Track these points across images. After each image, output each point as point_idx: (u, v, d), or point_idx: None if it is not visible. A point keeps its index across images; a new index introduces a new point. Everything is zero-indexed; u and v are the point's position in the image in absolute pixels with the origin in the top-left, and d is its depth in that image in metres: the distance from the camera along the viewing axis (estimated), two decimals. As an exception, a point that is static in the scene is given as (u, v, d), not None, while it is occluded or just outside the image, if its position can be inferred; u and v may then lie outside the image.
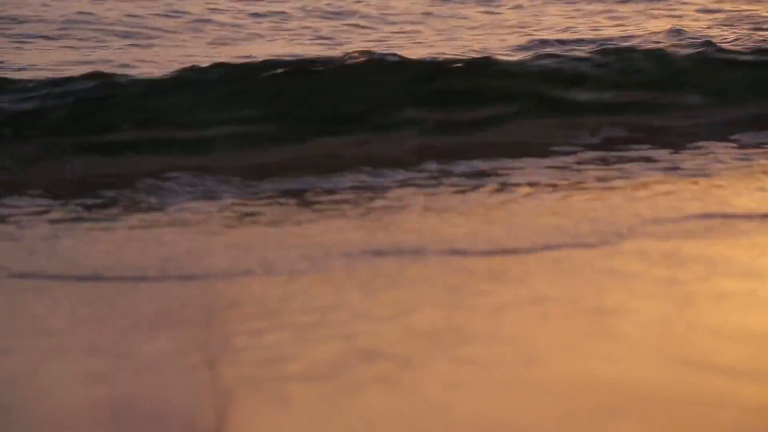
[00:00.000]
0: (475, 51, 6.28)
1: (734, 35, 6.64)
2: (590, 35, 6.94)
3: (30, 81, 5.38)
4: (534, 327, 2.90)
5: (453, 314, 3.01)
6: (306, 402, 2.42)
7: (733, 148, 5.17)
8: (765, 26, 7.24)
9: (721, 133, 5.47)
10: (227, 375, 2.60)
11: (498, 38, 7.05)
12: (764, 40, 6.36)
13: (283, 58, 5.95)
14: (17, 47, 6.72)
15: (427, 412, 2.35)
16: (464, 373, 2.57)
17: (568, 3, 8.30)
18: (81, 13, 7.58)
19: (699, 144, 5.20)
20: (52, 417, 2.38)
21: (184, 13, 7.86)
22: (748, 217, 4.12)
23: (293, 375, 2.57)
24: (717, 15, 7.83)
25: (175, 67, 5.68)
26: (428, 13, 8.02)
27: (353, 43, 6.97)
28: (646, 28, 7.24)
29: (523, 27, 7.50)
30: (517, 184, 4.47)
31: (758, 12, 7.87)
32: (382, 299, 3.18)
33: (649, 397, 2.40)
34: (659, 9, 8.22)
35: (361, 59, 5.63)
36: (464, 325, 2.93)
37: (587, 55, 5.98)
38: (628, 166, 4.83)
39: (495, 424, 2.29)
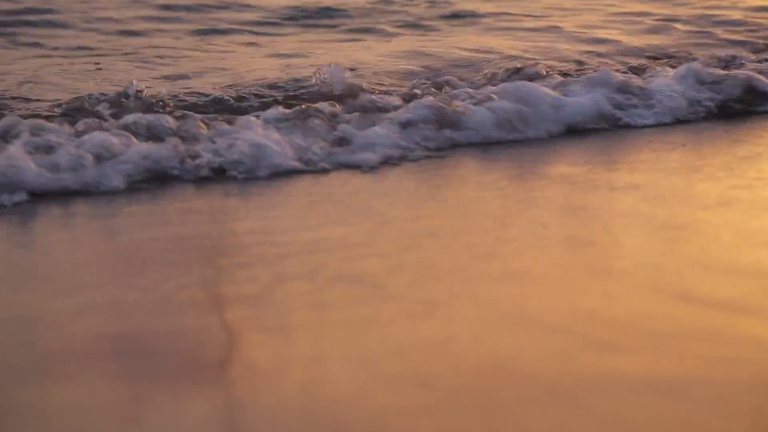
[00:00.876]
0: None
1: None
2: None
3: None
4: (531, 263, 2.92)
5: (454, 250, 3.03)
6: (307, 335, 2.44)
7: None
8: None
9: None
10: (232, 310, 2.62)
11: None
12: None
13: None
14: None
15: (425, 347, 2.37)
16: (462, 309, 2.59)
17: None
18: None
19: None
20: (59, 351, 2.40)
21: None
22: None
23: (296, 307, 2.59)
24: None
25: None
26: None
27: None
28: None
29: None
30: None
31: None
32: (387, 235, 3.20)
33: (646, 332, 2.43)
34: None
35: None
36: (462, 262, 2.94)
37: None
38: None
39: (494, 359, 2.31)
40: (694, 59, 5.62)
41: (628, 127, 4.70)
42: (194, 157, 3.83)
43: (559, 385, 2.18)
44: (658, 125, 4.77)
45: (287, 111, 4.32)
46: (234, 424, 2.06)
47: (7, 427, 2.04)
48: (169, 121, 4.08)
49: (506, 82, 4.85)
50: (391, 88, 5.02)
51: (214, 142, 3.96)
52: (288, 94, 4.88)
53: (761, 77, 5.17)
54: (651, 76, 5.21)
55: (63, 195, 3.58)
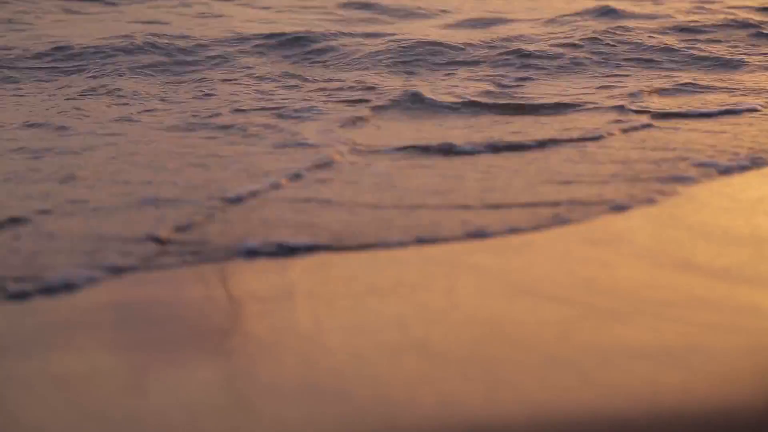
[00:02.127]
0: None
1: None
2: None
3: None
4: (529, 234, 2.93)
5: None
6: (309, 307, 2.45)
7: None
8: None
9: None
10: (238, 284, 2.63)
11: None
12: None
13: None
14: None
15: (425, 316, 2.38)
16: (462, 280, 2.59)
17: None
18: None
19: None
20: (64, 317, 2.42)
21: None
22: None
23: (299, 282, 2.60)
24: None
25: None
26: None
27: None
28: None
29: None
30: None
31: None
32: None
33: (647, 301, 2.44)
34: None
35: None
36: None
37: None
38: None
39: (494, 328, 2.32)
40: None
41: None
42: None
43: (559, 354, 2.18)
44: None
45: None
46: (236, 392, 2.07)
47: (8, 397, 2.05)
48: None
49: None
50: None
51: None
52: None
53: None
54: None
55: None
